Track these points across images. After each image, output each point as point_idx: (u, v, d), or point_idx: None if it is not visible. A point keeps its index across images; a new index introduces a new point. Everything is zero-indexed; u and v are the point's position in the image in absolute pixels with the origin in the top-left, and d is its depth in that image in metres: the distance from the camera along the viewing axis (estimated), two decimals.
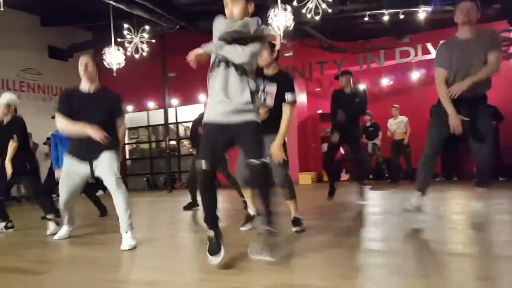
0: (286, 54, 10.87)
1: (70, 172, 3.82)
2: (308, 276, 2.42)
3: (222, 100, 2.66)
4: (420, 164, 3.84)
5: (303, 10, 7.13)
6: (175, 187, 12.57)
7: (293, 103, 3.63)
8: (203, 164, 2.64)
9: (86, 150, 3.73)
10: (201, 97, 11.98)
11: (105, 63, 9.64)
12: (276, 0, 7.19)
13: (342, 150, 11.60)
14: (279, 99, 3.66)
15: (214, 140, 2.71)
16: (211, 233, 2.68)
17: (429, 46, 10.07)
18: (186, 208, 6.25)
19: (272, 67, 3.81)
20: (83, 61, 3.87)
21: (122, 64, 9.63)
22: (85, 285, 2.52)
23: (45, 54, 12.59)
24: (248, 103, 2.68)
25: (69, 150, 3.87)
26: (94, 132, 3.60)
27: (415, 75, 10.99)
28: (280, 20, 7.10)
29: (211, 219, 2.72)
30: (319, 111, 11.57)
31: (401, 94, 11.09)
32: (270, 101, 3.69)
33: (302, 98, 11.60)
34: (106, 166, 3.70)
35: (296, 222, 3.90)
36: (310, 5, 6.98)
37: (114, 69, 9.59)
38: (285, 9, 7.14)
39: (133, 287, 2.43)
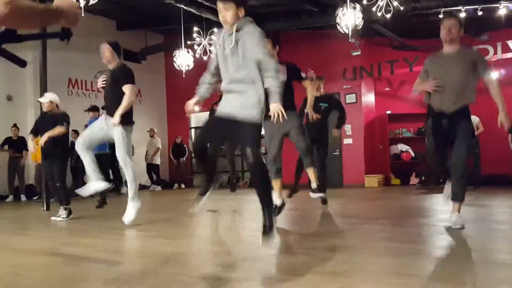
0: (354, 53, 10.63)
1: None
2: (372, 282, 2.34)
3: None
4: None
5: (373, 8, 6.93)
6: (239, 186, 12.72)
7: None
8: None
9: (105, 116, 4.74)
10: None
11: (175, 65, 9.99)
12: None
13: (412, 153, 11.18)
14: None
15: None
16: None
17: (510, 44, 9.40)
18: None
19: None
20: (101, 50, 4.82)
21: (191, 66, 9.92)
22: (158, 278, 2.61)
23: (120, 56, 13.25)
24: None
25: None
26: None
27: (494, 74, 10.24)
28: (349, 19, 6.96)
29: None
30: (388, 112, 11.20)
31: (477, 94, 10.42)
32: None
33: (370, 98, 11.29)
34: (116, 144, 4.60)
35: (318, 188, 4.73)
36: (381, 3, 6.77)
37: (184, 70, 9.91)
38: (354, 8, 6.98)
39: (205, 283, 2.48)
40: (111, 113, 4.59)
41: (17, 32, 1.70)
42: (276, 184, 4.46)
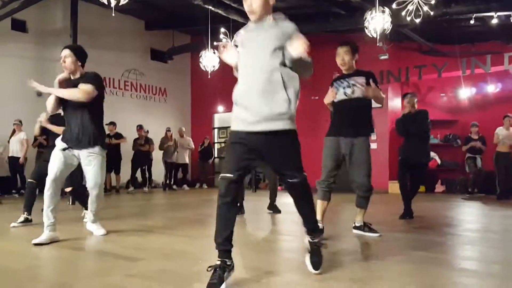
0: (382, 57, 10.49)
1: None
2: None
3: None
4: None
5: (403, 13, 6.81)
6: (259, 187, 12.73)
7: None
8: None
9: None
10: None
11: (201, 65, 10.06)
12: (374, 2, 6.96)
13: (438, 160, 10.93)
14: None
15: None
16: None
17: None
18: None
19: (351, 68, 4.03)
20: (62, 55, 3.99)
21: (216, 67, 9.97)
22: (177, 274, 2.63)
23: (148, 56, 13.46)
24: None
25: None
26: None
27: None
28: (377, 22, 6.87)
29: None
30: None
31: (509, 102, 10.14)
32: (359, 92, 3.89)
33: (396, 103, 11.12)
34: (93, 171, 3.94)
35: (366, 227, 4.14)
36: (411, 7, 6.65)
37: (209, 71, 9.97)
38: (383, 12, 6.89)
39: None
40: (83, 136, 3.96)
41: None
42: (320, 206, 3.91)
